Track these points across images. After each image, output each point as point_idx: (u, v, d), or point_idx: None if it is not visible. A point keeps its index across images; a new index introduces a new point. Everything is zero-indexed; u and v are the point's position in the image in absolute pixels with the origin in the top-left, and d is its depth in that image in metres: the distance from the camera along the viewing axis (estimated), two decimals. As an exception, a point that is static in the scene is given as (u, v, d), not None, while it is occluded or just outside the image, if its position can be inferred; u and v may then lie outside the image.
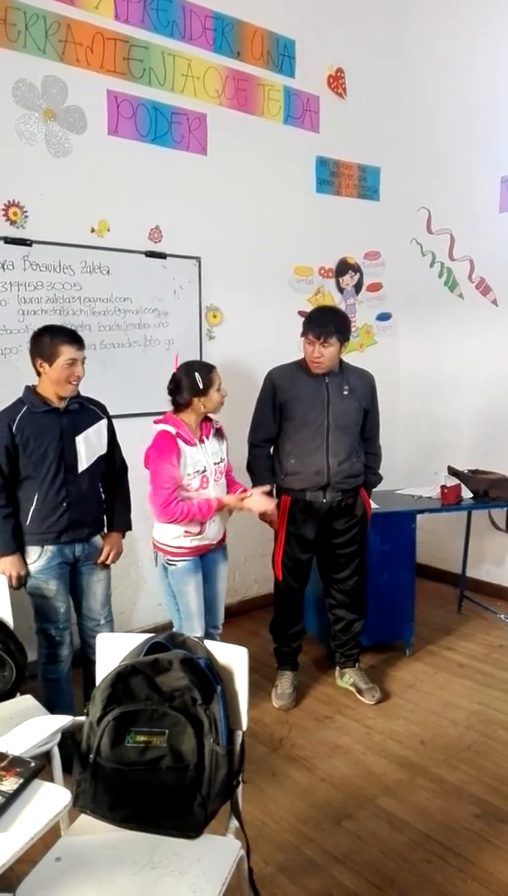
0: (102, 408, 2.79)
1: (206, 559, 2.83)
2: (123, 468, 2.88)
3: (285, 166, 4.13)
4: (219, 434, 2.86)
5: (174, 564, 2.75)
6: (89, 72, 3.30)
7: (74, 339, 2.59)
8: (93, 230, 3.38)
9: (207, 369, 2.76)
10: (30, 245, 3.16)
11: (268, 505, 2.85)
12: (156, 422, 2.74)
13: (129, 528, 2.90)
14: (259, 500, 2.80)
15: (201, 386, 2.70)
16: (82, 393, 2.70)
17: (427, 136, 4.57)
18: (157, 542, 2.79)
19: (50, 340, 2.54)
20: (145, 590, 3.73)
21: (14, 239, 3.11)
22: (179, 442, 2.66)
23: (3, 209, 3.09)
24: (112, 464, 2.82)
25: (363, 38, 4.41)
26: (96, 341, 3.38)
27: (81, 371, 2.60)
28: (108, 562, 2.80)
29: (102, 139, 3.37)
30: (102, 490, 2.82)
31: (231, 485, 2.91)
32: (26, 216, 3.15)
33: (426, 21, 4.49)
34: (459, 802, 2.49)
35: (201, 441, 2.75)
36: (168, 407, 2.79)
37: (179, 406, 2.75)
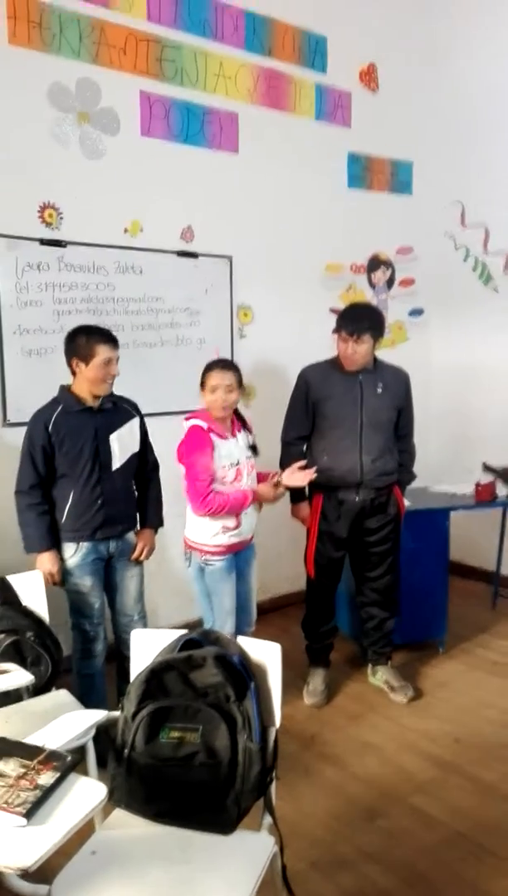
0: (135, 406, 2.83)
1: (238, 557, 2.83)
2: (155, 466, 2.92)
3: (317, 163, 4.11)
4: (247, 431, 2.86)
5: (212, 564, 2.75)
6: (122, 73, 3.33)
7: (109, 338, 2.63)
8: (126, 231, 3.41)
9: (207, 366, 2.74)
10: (64, 246, 3.20)
11: (304, 478, 2.79)
12: (187, 418, 2.75)
13: (161, 524, 2.93)
14: (294, 476, 2.77)
15: (201, 381, 2.72)
16: (115, 392, 2.74)
17: (461, 129, 4.51)
18: (192, 541, 2.78)
19: (86, 340, 2.58)
20: (177, 586, 3.75)
21: (49, 240, 3.16)
22: (212, 436, 2.67)
23: (39, 211, 3.14)
24: (145, 461, 2.86)
25: (396, 32, 4.37)
26: (129, 340, 3.42)
27: (116, 370, 2.64)
28: (141, 558, 2.84)
29: (136, 140, 3.40)
30: (134, 487, 2.85)
31: (260, 478, 2.90)
32: (61, 218, 3.20)
33: (460, 11, 4.42)
34: (493, 801, 2.47)
35: (234, 435, 2.76)
36: (201, 405, 2.80)
37: None
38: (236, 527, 2.74)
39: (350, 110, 4.23)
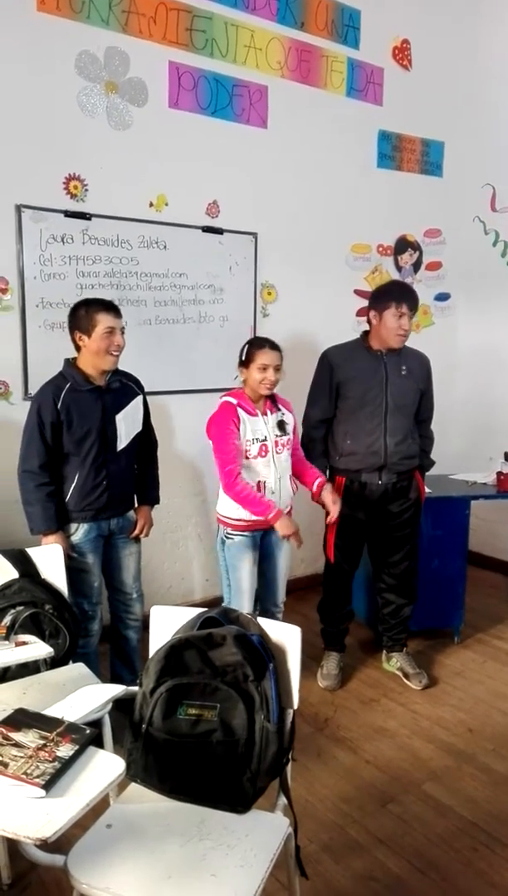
0: (138, 383, 2.76)
1: (271, 537, 2.82)
2: (155, 446, 2.87)
3: (347, 140, 4.03)
4: (283, 411, 2.83)
5: (231, 538, 2.77)
6: (152, 43, 3.27)
7: (109, 307, 2.54)
8: (151, 204, 3.37)
9: (256, 344, 2.74)
10: (89, 219, 3.16)
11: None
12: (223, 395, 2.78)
13: (157, 501, 2.89)
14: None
15: (242, 357, 2.73)
16: (131, 368, 2.68)
17: (496, 110, 4.40)
18: (219, 514, 2.82)
19: (86, 312, 2.50)
20: (195, 565, 3.75)
21: (74, 212, 3.12)
22: (240, 411, 2.68)
23: (64, 183, 3.10)
24: (147, 442, 2.81)
25: (432, 8, 4.26)
26: (151, 316, 3.39)
27: (120, 340, 2.54)
28: (142, 535, 2.81)
29: (163, 112, 3.34)
30: (135, 466, 2.80)
31: (304, 470, 2.91)
32: (86, 190, 3.16)
33: (497, -12, 4.31)
34: (506, 792, 2.45)
35: (265, 413, 2.75)
36: (223, 383, 2.78)
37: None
38: None
39: (382, 87, 4.13)
